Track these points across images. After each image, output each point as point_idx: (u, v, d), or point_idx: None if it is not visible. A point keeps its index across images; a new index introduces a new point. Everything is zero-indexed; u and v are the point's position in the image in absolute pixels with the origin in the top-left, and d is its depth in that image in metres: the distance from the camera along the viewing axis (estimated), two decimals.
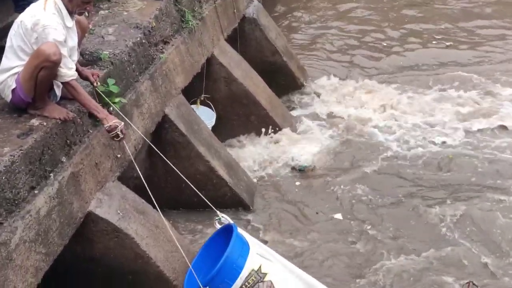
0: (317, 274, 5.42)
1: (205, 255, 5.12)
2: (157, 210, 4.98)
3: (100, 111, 4.46)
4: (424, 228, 6.23)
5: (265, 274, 4.79)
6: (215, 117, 7.38)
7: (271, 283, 4.81)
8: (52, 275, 4.18)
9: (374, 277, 5.62)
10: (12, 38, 4.24)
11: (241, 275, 4.68)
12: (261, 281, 4.76)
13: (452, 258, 5.78)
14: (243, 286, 4.70)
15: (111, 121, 4.44)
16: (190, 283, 4.81)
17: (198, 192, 5.22)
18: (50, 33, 4.07)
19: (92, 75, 4.75)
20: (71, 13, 4.31)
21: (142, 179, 4.70)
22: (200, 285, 4.58)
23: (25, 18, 4.15)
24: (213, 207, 5.19)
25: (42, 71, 4.10)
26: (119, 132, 4.46)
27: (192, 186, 5.23)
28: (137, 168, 4.81)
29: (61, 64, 4.13)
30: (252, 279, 4.72)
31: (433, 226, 6.23)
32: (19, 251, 3.75)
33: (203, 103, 7.44)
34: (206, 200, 5.19)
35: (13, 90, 4.24)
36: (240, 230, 5.03)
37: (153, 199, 4.76)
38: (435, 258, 5.79)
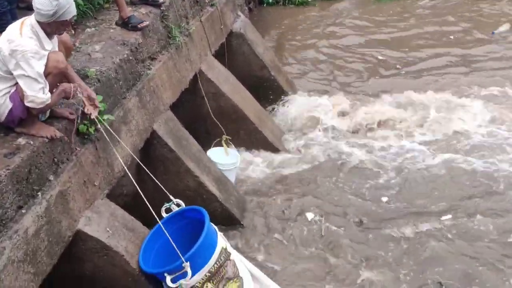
0: None
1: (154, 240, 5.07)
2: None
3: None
4: None
5: (229, 253, 4.99)
6: (239, 158, 7.36)
7: (234, 262, 5.00)
8: None
9: None
10: None
11: (216, 251, 4.81)
12: (228, 259, 4.92)
13: None
14: (216, 262, 4.79)
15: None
16: (145, 261, 4.84)
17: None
18: (29, 58, 4.02)
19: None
20: (49, 35, 4.25)
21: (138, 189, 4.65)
22: (182, 258, 4.55)
23: (2, 44, 4.08)
24: (169, 195, 5.18)
25: (48, 78, 4.15)
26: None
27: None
28: (134, 182, 4.77)
29: (34, 92, 4.09)
30: (223, 256, 4.87)
31: None
32: (7, 272, 3.71)
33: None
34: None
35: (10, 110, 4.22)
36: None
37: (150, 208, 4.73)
38: None
